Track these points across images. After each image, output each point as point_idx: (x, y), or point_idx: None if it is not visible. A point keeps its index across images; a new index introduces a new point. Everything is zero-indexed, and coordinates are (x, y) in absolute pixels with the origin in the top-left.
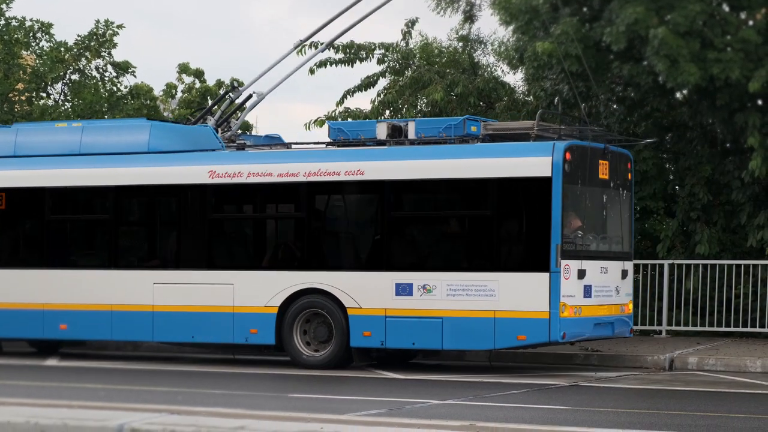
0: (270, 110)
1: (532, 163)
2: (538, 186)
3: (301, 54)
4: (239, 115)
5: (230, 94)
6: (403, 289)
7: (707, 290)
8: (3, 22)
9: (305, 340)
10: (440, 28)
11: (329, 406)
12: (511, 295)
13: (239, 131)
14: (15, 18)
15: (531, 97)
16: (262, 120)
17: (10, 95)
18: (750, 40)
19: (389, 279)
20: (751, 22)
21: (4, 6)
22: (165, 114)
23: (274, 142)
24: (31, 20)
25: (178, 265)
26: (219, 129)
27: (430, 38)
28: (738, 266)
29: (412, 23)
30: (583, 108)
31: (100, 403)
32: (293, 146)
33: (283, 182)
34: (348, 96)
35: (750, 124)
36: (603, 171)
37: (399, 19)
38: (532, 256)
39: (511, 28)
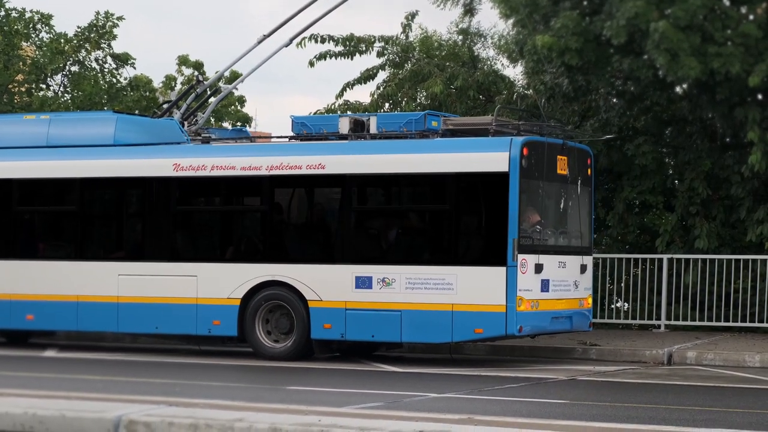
0: (269, 103)
1: (490, 158)
2: (496, 181)
3: (301, 47)
4: (206, 108)
5: (196, 88)
6: (363, 282)
7: (706, 285)
8: (3, 13)
9: (267, 332)
10: (440, 22)
11: (327, 398)
12: (468, 288)
13: (239, 124)
14: (15, 9)
15: (531, 90)
16: (261, 113)
17: (10, 86)
18: (750, 35)
19: (349, 272)
20: (751, 17)
21: None
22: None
23: (239, 135)
24: (31, 11)
25: (142, 256)
26: (185, 122)
27: (430, 31)
28: (737, 261)
29: (412, 16)
30: (543, 104)
31: (97, 394)
32: (257, 140)
33: (246, 176)
34: (347, 89)
35: (750, 118)
36: (561, 166)
37: (399, 12)
38: (490, 251)
39: (511, 21)
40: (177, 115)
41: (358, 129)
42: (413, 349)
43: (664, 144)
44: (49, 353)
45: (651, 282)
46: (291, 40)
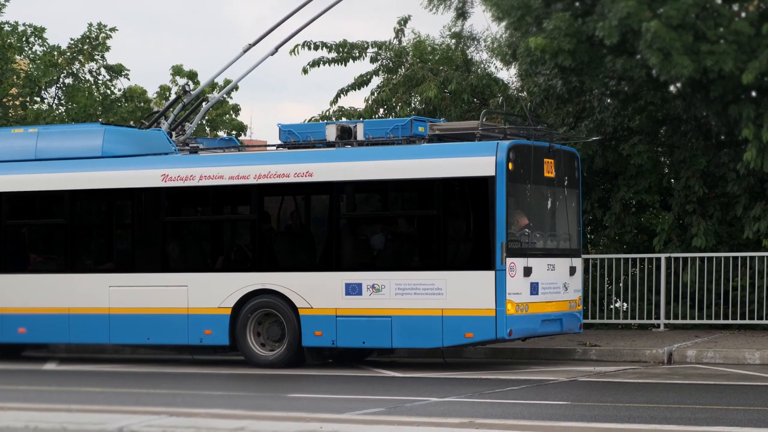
0: (264, 111)
1: (476, 162)
2: (483, 185)
3: (295, 54)
4: (193, 118)
5: (183, 98)
6: (353, 289)
7: (704, 283)
8: None
9: (259, 340)
10: (433, 26)
11: (328, 405)
12: (458, 293)
13: (234, 132)
14: (7, 23)
15: (525, 92)
16: (256, 121)
17: (4, 100)
18: (743, 32)
19: (339, 279)
20: (743, 14)
21: None
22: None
23: (227, 144)
24: (23, 25)
25: (133, 268)
26: (173, 133)
27: (422, 36)
28: (735, 258)
29: (404, 21)
30: (528, 107)
31: (98, 406)
32: (245, 149)
33: (235, 185)
34: (342, 95)
35: (744, 115)
36: (548, 169)
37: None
38: (478, 255)
39: (503, 24)
40: (165, 125)
41: (345, 136)
42: (411, 354)
43: (659, 143)
44: (50, 366)
45: (649, 281)
46: (276, 49)
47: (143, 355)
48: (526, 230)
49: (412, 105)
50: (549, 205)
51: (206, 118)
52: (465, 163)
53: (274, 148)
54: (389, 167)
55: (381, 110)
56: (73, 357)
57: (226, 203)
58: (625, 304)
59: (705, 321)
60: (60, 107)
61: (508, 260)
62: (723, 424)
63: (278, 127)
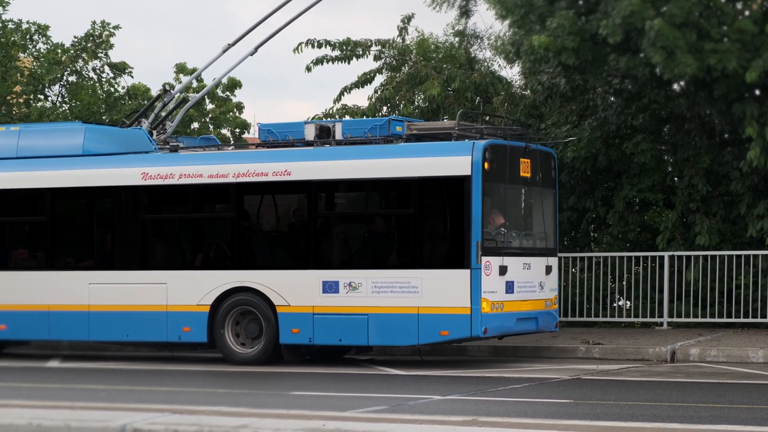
0: (267, 109)
1: (452, 162)
2: (458, 184)
3: (298, 52)
4: (174, 117)
5: (163, 98)
6: (330, 287)
7: (708, 281)
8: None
9: (237, 337)
10: (436, 24)
11: (331, 403)
12: (433, 291)
13: (237, 130)
14: (11, 20)
15: (528, 90)
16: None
17: (8, 98)
18: (746, 30)
19: (316, 277)
20: (747, 12)
21: (0, 9)
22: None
23: (208, 143)
24: (27, 23)
25: (112, 265)
26: (154, 131)
27: (426, 34)
28: (738, 257)
29: (408, 19)
30: (505, 107)
31: (102, 403)
32: (225, 148)
33: (214, 183)
34: (345, 93)
35: (748, 114)
36: (524, 169)
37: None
38: (454, 254)
39: (507, 22)
40: (145, 124)
41: (324, 135)
42: (389, 351)
43: (662, 141)
44: (53, 363)
45: (653, 280)
46: (256, 49)
47: (146, 353)
48: (502, 229)
49: (416, 103)
50: (525, 205)
51: (210, 116)
52: (441, 163)
53: (254, 147)
54: (366, 166)
55: (384, 108)
56: (76, 354)
57: (206, 202)
58: (628, 303)
59: (708, 319)
60: (63, 105)
61: (484, 259)
62: (726, 422)
63: (258, 127)
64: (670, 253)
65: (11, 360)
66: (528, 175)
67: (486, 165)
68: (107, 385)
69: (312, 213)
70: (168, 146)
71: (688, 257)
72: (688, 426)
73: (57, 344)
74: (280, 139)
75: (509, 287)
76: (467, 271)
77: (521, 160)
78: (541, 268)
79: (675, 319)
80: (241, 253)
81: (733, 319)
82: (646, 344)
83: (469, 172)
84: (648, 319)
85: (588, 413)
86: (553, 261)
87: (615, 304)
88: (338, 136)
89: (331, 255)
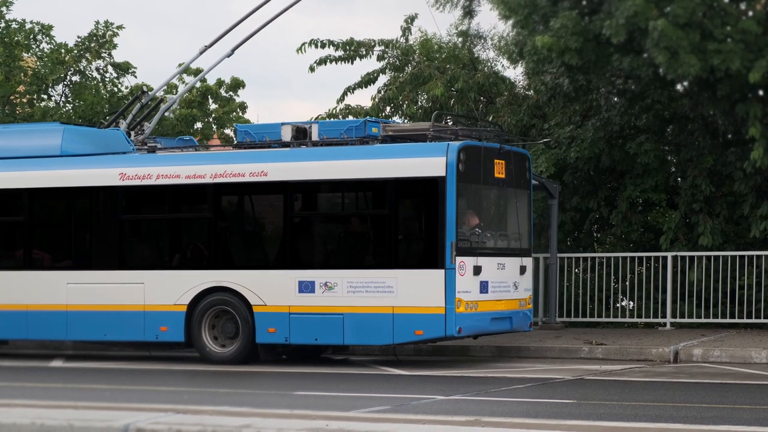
0: (270, 109)
1: (427, 163)
2: (433, 185)
3: (301, 52)
4: (153, 118)
5: (141, 98)
6: (306, 287)
7: (711, 282)
8: (3, 24)
9: (214, 337)
10: (440, 24)
11: (334, 403)
12: (408, 291)
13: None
14: (15, 20)
15: (531, 91)
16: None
17: (12, 97)
18: (750, 31)
19: (293, 277)
20: (750, 13)
21: (4, 9)
22: (167, 114)
23: (185, 144)
24: (31, 22)
25: (90, 265)
26: (132, 132)
27: (429, 34)
28: (741, 257)
29: (411, 19)
30: (480, 109)
31: (105, 403)
32: (202, 148)
33: (191, 184)
34: (348, 93)
35: (751, 114)
36: (499, 170)
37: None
38: (428, 254)
39: (510, 22)
40: (123, 125)
41: (300, 136)
42: (365, 350)
43: (666, 142)
44: (56, 363)
45: (656, 280)
46: (233, 51)
47: (149, 352)
48: (477, 230)
49: (419, 103)
50: (499, 206)
51: (213, 116)
52: (416, 164)
53: (231, 148)
54: (342, 167)
55: (388, 108)
56: (79, 354)
57: (183, 202)
58: (631, 303)
59: (711, 320)
60: (67, 105)
61: (458, 259)
62: (729, 422)
63: (235, 128)
64: (674, 253)
65: (15, 360)
66: (502, 176)
67: (460, 166)
68: (110, 385)
69: (288, 213)
70: (146, 147)
71: (692, 257)
72: (691, 426)
73: (60, 344)
74: (256, 140)
75: (483, 287)
76: (442, 272)
77: (496, 161)
78: (515, 269)
79: (678, 320)
80: (218, 253)
81: (736, 320)
82: (649, 344)
83: (443, 173)
84: (651, 320)
85: (591, 413)
86: (528, 261)
87: (618, 305)
88: (314, 137)
89: (307, 255)
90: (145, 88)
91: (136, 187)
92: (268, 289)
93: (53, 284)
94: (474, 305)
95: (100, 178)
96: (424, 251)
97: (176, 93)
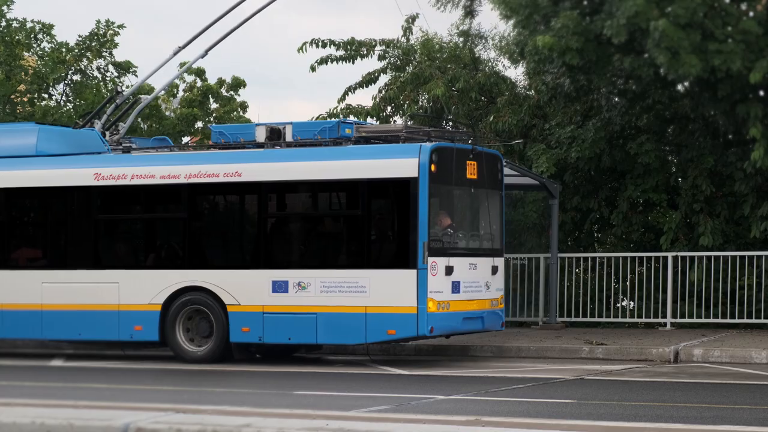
0: (271, 109)
1: (400, 164)
2: (405, 186)
3: (302, 52)
4: (127, 118)
5: (115, 99)
6: (280, 287)
7: (711, 282)
8: (4, 23)
9: (188, 336)
10: (441, 24)
11: (334, 402)
12: (381, 291)
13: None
14: (16, 19)
15: (532, 91)
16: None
17: (12, 96)
18: (751, 31)
19: (266, 277)
20: (751, 13)
21: (5, 7)
22: (167, 114)
23: (160, 144)
24: (32, 21)
25: (65, 265)
26: (107, 132)
27: (430, 34)
28: (742, 257)
29: (412, 19)
30: (452, 110)
31: (105, 402)
32: (177, 149)
33: (166, 184)
34: (349, 93)
35: (752, 115)
36: (471, 171)
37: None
38: (400, 254)
39: (511, 22)
40: (98, 125)
41: (274, 137)
42: (337, 349)
43: (666, 142)
44: (56, 362)
45: (656, 280)
46: (206, 52)
47: (149, 352)
48: (449, 230)
49: (420, 103)
50: (471, 206)
51: (214, 115)
52: (389, 165)
53: (206, 148)
54: (316, 168)
55: (389, 108)
56: (79, 354)
57: (158, 202)
58: (631, 303)
59: (712, 320)
60: (68, 104)
61: (430, 259)
62: (729, 423)
63: (210, 129)
64: (674, 253)
65: (14, 359)
66: (474, 177)
67: (433, 167)
68: (110, 384)
69: (262, 214)
70: (121, 147)
71: (692, 258)
72: (692, 426)
73: (59, 343)
74: (231, 140)
75: (455, 287)
76: (414, 272)
77: (468, 162)
78: (487, 269)
79: (678, 320)
80: (193, 252)
81: (737, 320)
82: (649, 345)
83: (416, 174)
84: (651, 320)
85: (591, 413)
86: (499, 261)
87: (618, 305)
88: (288, 138)
89: (280, 255)
90: (119, 89)
91: (111, 187)
92: (242, 288)
93: (28, 283)
94: (446, 305)
95: (75, 178)
96: (397, 251)
97: (177, 93)
